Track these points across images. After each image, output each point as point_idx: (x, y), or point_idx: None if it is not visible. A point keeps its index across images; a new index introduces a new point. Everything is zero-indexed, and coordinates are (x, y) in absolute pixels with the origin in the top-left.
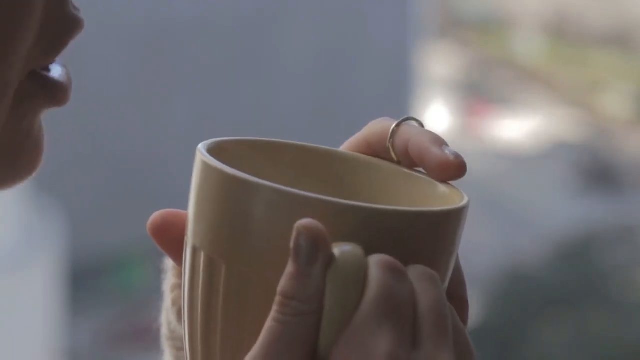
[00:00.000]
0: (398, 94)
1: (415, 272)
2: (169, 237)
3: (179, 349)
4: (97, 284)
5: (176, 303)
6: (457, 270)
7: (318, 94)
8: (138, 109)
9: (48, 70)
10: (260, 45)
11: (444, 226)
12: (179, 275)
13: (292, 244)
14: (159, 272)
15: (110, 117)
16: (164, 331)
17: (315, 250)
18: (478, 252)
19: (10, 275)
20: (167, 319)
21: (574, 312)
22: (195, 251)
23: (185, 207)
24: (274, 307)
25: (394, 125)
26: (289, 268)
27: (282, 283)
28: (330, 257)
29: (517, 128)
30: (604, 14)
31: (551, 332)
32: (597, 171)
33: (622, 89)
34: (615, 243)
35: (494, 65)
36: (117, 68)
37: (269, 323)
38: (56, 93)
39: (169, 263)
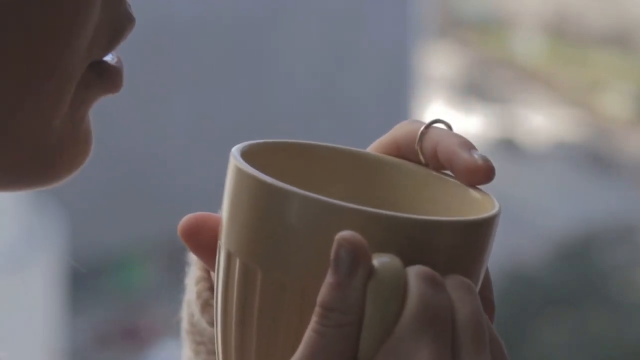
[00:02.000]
0: (398, 94)
1: (453, 283)
2: (201, 240)
3: (198, 343)
4: (97, 284)
5: (201, 296)
6: (485, 272)
7: (318, 93)
8: (138, 109)
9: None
10: (260, 45)
11: (477, 235)
12: (205, 268)
13: (332, 256)
14: (159, 272)
15: (110, 117)
16: (185, 325)
17: (356, 262)
18: None
19: (10, 275)
20: (189, 312)
21: (574, 312)
22: (229, 256)
23: (186, 206)
24: (314, 318)
25: (422, 128)
26: (329, 279)
27: (322, 294)
28: (370, 269)
29: (517, 128)
30: (604, 14)
31: (551, 332)
32: (597, 171)
33: (622, 89)
34: (615, 243)
35: (494, 65)
36: None
37: (308, 334)
38: (114, 79)
39: (192, 256)
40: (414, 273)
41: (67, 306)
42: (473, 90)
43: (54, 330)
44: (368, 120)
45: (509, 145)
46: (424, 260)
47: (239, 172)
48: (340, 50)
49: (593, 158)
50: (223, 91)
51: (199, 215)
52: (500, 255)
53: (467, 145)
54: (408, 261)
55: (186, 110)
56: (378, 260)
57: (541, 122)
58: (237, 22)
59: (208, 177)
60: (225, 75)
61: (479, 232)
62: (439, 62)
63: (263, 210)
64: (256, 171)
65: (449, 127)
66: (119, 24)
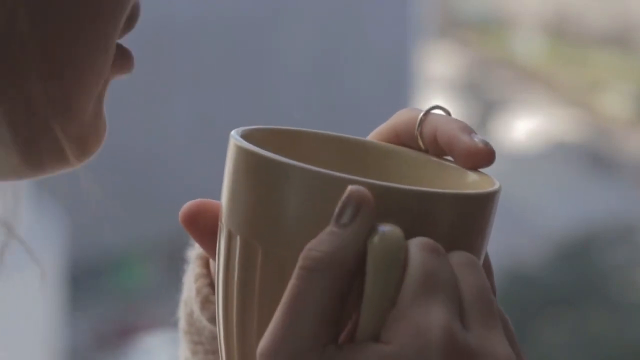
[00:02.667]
0: (398, 94)
1: (457, 258)
2: (202, 226)
3: (196, 342)
4: (97, 284)
5: (200, 292)
6: (485, 255)
7: (318, 94)
8: (138, 108)
9: None
10: (260, 45)
11: (478, 210)
12: (204, 265)
13: (337, 209)
14: (159, 272)
15: (110, 116)
16: (182, 324)
17: (356, 211)
18: None
19: (10, 276)
20: (188, 310)
21: (574, 312)
22: (230, 236)
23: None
24: (298, 263)
25: (421, 114)
26: (328, 229)
27: (317, 239)
28: (371, 233)
29: (517, 128)
30: (604, 14)
31: (551, 332)
32: (597, 171)
33: (622, 89)
34: (615, 243)
35: (494, 65)
36: None
37: (292, 282)
38: (127, 60)
39: (191, 254)
40: (415, 244)
41: (67, 306)
42: (473, 90)
43: (54, 330)
44: (368, 121)
45: (508, 145)
46: (425, 234)
47: (239, 149)
48: (340, 50)
49: (593, 158)
50: (224, 91)
51: (200, 202)
52: (500, 255)
53: (467, 129)
54: (409, 233)
55: (187, 110)
56: (379, 229)
57: (541, 122)
58: (237, 22)
59: (209, 177)
60: (226, 75)
61: (479, 206)
62: (439, 62)
63: (263, 185)
64: (256, 147)
65: (448, 113)
66: (135, 12)
